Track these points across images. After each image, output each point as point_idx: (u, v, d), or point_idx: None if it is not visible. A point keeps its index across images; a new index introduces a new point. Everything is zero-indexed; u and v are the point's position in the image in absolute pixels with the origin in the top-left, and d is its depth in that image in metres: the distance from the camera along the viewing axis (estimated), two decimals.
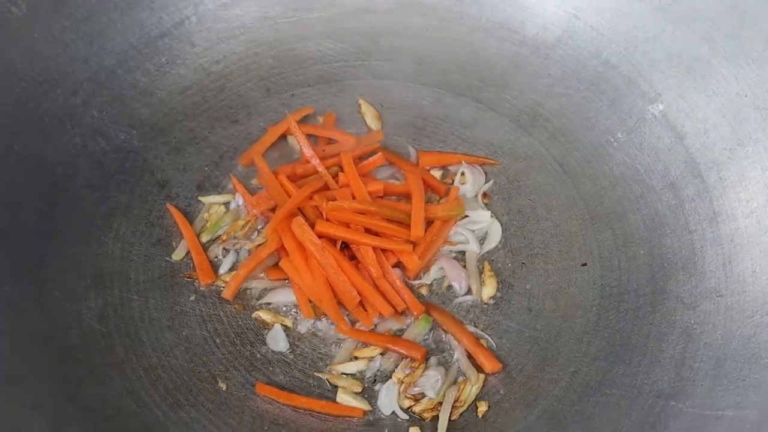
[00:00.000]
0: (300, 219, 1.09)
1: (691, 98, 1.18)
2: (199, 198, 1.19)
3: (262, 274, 1.13)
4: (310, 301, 1.09)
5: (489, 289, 1.13)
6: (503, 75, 1.31)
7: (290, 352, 1.07)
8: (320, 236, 1.09)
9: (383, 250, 1.12)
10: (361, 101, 1.29)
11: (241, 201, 1.19)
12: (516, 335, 1.09)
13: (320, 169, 1.18)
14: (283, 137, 1.26)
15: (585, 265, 1.14)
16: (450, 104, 1.30)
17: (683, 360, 1.02)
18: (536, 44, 1.30)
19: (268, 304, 1.11)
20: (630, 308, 1.09)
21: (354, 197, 1.14)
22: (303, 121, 1.26)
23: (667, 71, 1.21)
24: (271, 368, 1.06)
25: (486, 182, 1.22)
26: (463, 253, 1.17)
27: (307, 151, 1.20)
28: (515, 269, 1.15)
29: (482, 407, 1.03)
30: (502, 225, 1.19)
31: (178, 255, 1.14)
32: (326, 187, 1.17)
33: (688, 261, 1.11)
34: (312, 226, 1.09)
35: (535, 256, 1.16)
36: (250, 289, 1.12)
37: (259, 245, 1.13)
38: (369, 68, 1.33)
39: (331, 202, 1.11)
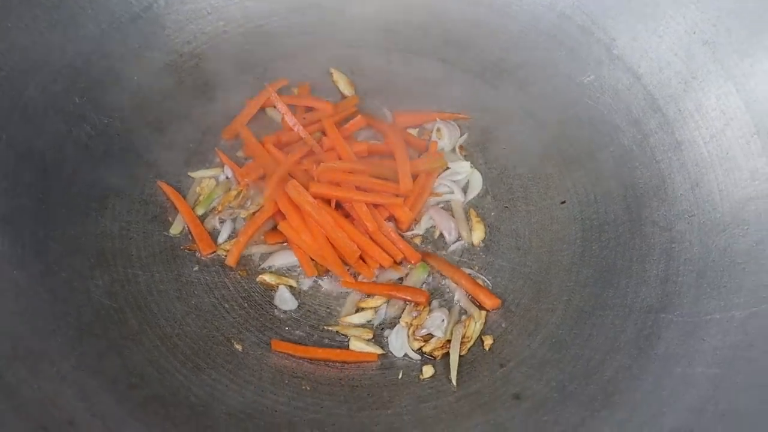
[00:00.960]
0: (295, 182, 1.13)
1: (644, 40, 1.26)
2: (189, 174, 1.22)
3: (261, 239, 1.16)
4: (312, 260, 1.14)
5: (478, 234, 1.19)
6: (465, 35, 1.37)
7: (298, 309, 1.11)
8: (315, 197, 1.13)
9: (375, 206, 1.17)
10: (332, 70, 1.33)
11: (229, 173, 1.22)
12: (509, 273, 1.16)
13: (304, 135, 1.22)
14: (262, 110, 1.29)
15: (564, 202, 1.22)
16: (418, 66, 1.36)
17: (667, 276, 1.11)
18: (491, 2, 1.37)
19: (271, 267, 1.15)
20: (611, 237, 1.17)
21: (340, 158, 1.19)
22: (278, 93, 1.29)
23: (618, 17, 1.28)
24: (282, 327, 1.10)
25: (461, 136, 1.29)
26: (449, 203, 1.22)
27: (290, 119, 1.24)
28: (499, 213, 1.22)
29: (488, 341, 1.09)
30: (482, 174, 1.25)
31: (175, 229, 1.16)
32: (312, 153, 1.21)
33: (658, 188, 1.19)
34: (305, 188, 1.14)
35: (517, 199, 1.23)
36: (252, 255, 1.15)
37: (255, 212, 1.16)
38: (336, 38, 1.37)
39: (322, 163, 1.15)
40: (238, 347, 1.07)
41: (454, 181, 1.23)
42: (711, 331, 1.02)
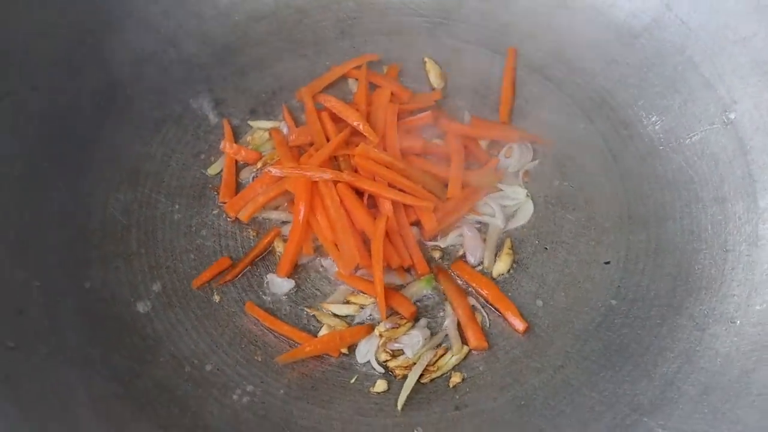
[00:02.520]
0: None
1: (767, 111, 1.08)
2: (249, 122, 1.23)
3: (284, 206, 1.15)
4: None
5: (501, 266, 1.09)
6: (580, 56, 1.25)
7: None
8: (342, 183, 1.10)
9: (405, 207, 1.11)
10: (426, 59, 1.28)
11: (286, 130, 1.21)
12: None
13: (357, 120, 1.17)
14: (346, 79, 1.27)
15: (608, 263, 1.09)
16: (518, 76, 1.26)
17: (673, 380, 0.96)
18: (621, 30, 1.23)
19: (284, 236, 1.13)
20: (639, 316, 1.03)
21: (385, 149, 1.14)
22: (367, 68, 1.26)
23: (748, 79, 1.11)
24: (266, 295, 1.08)
25: (532, 161, 1.18)
26: (487, 225, 1.14)
27: (359, 96, 1.20)
28: (536, 252, 1.11)
29: (455, 378, 1.01)
30: (535, 206, 1.14)
31: (214, 169, 1.19)
32: (363, 138, 1.17)
33: (714, 281, 1.03)
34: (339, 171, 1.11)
35: (560, 243, 1.11)
36: (270, 219, 1.15)
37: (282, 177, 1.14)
38: (447, 27, 1.31)
39: (361, 145, 1.11)
40: (216, 298, 1.07)
41: (501, 205, 1.14)
42: None
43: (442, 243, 1.12)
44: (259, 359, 1.03)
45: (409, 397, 0.99)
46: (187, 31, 1.26)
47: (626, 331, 1.02)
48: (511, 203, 1.15)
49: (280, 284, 1.09)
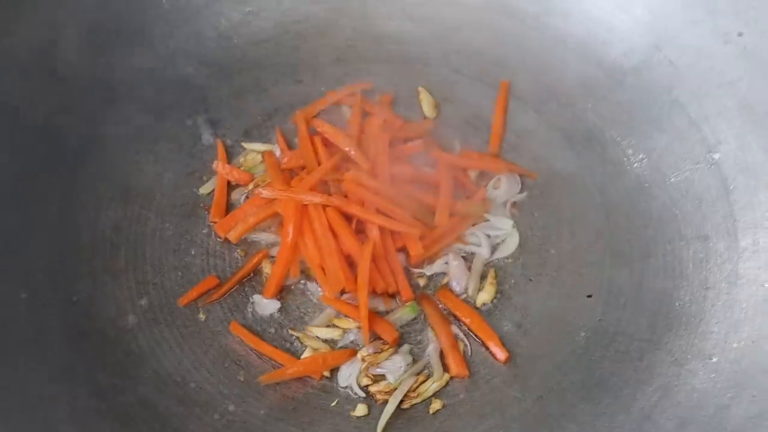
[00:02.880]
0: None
1: (751, 153, 1.10)
2: (242, 143, 1.24)
3: (273, 228, 1.17)
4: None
5: (485, 296, 1.10)
6: (571, 92, 1.27)
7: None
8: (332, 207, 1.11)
9: (391, 233, 1.13)
10: (420, 88, 1.30)
11: (278, 153, 1.23)
12: None
13: (349, 145, 1.18)
14: (339, 105, 1.29)
15: (590, 296, 1.10)
16: (510, 109, 1.28)
17: (650, 414, 0.97)
18: (613, 68, 1.25)
19: (272, 257, 1.14)
20: (619, 350, 1.04)
21: (375, 176, 1.15)
22: (361, 95, 1.28)
23: (733, 120, 1.13)
24: (252, 315, 1.09)
25: (520, 193, 1.20)
26: (473, 254, 1.15)
27: (352, 122, 1.22)
28: (520, 284, 1.12)
29: (435, 405, 1.02)
30: (521, 237, 1.16)
31: (205, 189, 1.20)
32: (353, 163, 1.18)
33: (693, 317, 1.04)
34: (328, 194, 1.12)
35: (544, 275, 1.13)
36: (259, 240, 1.16)
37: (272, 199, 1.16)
38: (441, 58, 1.33)
39: (351, 171, 1.13)
40: (202, 317, 1.08)
41: (488, 236, 1.16)
42: None
43: (427, 270, 1.13)
44: (242, 379, 1.03)
45: (389, 423, 1.00)
46: (186, 51, 1.28)
47: (606, 364, 1.03)
48: (498, 233, 1.16)
49: (265, 305, 1.10)
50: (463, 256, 1.14)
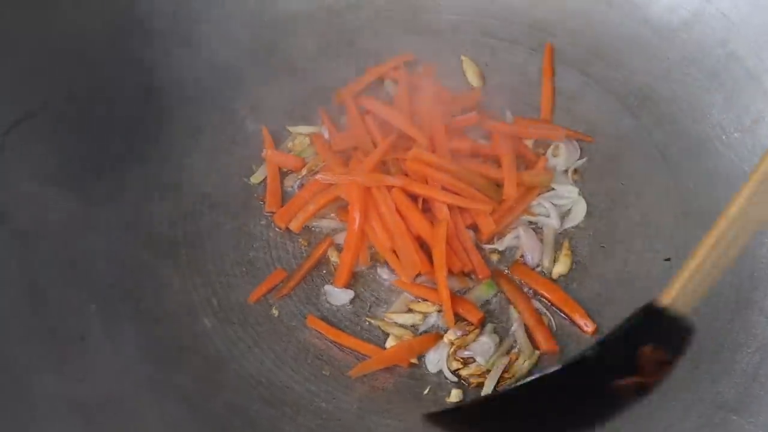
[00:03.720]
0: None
1: None
2: (288, 127, 1.19)
3: (332, 215, 1.12)
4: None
5: (561, 267, 1.08)
6: (618, 51, 1.24)
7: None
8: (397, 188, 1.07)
9: (459, 210, 1.09)
10: (463, 58, 1.25)
11: (327, 134, 1.18)
12: None
13: (403, 122, 1.14)
14: (381, 81, 1.24)
15: (668, 260, 1.08)
16: (557, 73, 1.24)
17: (756, 375, 0.95)
18: (660, 25, 1.23)
19: (338, 244, 1.10)
20: (707, 313, 1.02)
21: (434, 152, 1.11)
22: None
23: None
24: (326, 306, 1.05)
25: (580, 159, 1.17)
26: (542, 227, 1.12)
27: (401, 97, 1.17)
28: (593, 252, 1.10)
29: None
30: (588, 205, 1.13)
31: (256, 178, 1.14)
32: (411, 139, 1.14)
33: None
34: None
35: (617, 242, 1.10)
36: (320, 228, 1.11)
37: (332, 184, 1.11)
38: (481, 25, 1.29)
39: (413, 149, 1.09)
40: (275, 312, 1.04)
41: (555, 205, 1.13)
42: None
43: (499, 246, 1.10)
44: (327, 374, 0.99)
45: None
46: (217, 34, 1.21)
47: (698, 328, 1.01)
48: (564, 202, 1.13)
49: (338, 295, 1.06)
50: (532, 228, 1.12)
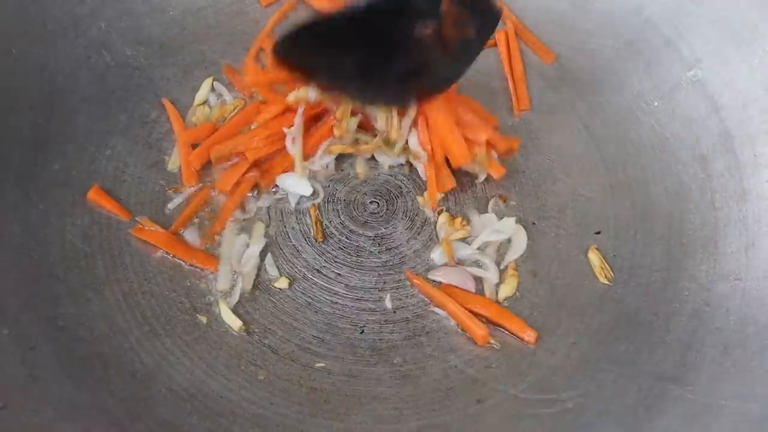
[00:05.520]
0: None
1: (734, 68, 1.10)
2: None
3: None
4: None
5: (507, 290, 1.04)
6: (536, 26, 1.23)
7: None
8: None
9: None
10: None
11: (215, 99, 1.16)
12: (515, 299, 1.03)
13: None
14: None
15: (599, 233, 1.08)
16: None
17: (690, 343, 0.96)
18: None
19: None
20: (641, 283, 1.03)
21: None
22: None
23: (710, 36, 1.12)
24: (255, 306, 1.01)
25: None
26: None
27: None
28: (524, 229, 1.08)
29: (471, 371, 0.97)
30: (516, 183, 1.11)
31: (173, 164, 1.10)
32: None
33: (708, 240, 1.04)
34: None
35: (547, 218, 1.09)
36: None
37: None
38: None
39: None
40: (203, 319, 0.99)
41: (492, 244, 1.07)
42: (721, 419, 0.87)
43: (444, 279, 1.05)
44: (263, 378, 0.95)
45: (428, 397, 0.95)
46: (119, 30, 1.15)
47: (630, 300, 1.02)
48: (502, 237, 1.07)
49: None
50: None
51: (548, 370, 0.97)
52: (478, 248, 1.06)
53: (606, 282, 1.03)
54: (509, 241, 1.07)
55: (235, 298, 1.00)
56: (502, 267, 1.05)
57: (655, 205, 1.08)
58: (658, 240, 1.06)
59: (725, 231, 1.03)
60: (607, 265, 1.04)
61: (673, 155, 1.11)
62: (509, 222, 1.08)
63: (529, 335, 0.99)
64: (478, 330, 0.99)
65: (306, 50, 0.89)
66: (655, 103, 1.14)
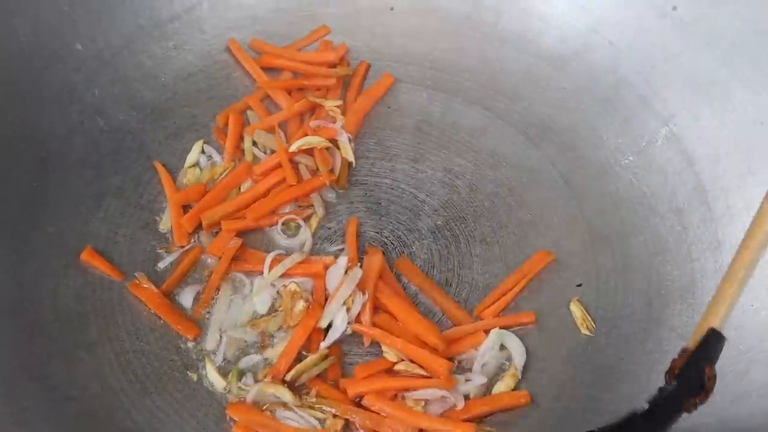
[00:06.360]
0: None
1: (706, 122, 1.14)
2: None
3: None
4: None
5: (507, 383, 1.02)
6: (516, 85, 1.27)
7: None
8: None
9: None
10: None
11: (205, 161, 1.19)
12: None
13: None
14: None
15: (580, 285, 1.10)
16: (458, 111, 1.26)
17: None
18: (552, 57, 1.27)
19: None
20: (622, 334, 1.05)
21: None
22: None
23: (683, 92, 1.16)
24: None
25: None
26: None
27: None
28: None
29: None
30: (499, 239, 1.14)
31: (165, 224, 1.12)
32: None
33: (686, 290, 1.06)
34: None
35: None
36: None
37: None
38: (380, 69, 1.30)
39: None
40: (193, 376, 1.01)
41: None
42: None
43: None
44: None
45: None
46: (112, 96, 1.19)
47: (612, 351, 1.04)
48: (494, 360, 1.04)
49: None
50: None
51: (534, 424, 0.98)
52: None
53: (588, 333, 1.05)
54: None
55: (220, 357, 1.02)
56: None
57: (634, 257, 1.11)
58: (637, 292, 1.08)
59: (702, 282, 1.06)
60: (589, 316, 1.06)
61: (650, 208, 1.14)
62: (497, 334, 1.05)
63: (524, 397, 1.00)
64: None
65: None
66: (632, 158, 1.18)
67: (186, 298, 1.07)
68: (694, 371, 0.81)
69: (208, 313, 1.06)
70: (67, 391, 0.96)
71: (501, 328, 1.04)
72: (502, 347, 1.04)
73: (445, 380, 0.98)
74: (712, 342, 0.82)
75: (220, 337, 1.04)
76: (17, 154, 1.09)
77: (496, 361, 1.03)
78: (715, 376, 0.83)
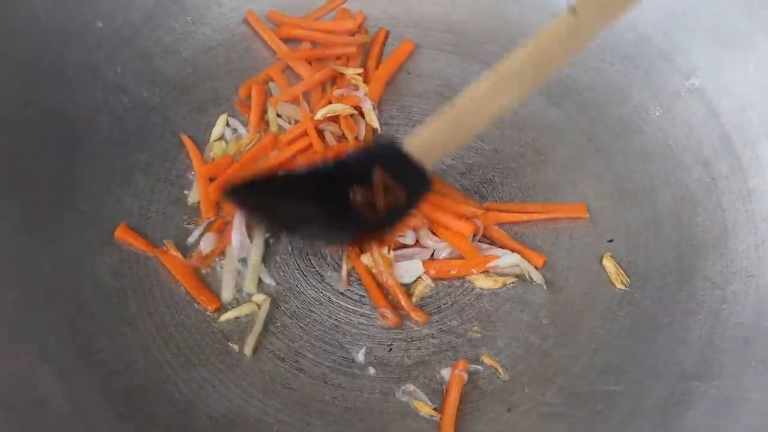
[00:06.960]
0: None
1: (729, 74, 1.14)
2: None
3: None
4: None
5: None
6: None
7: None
8: None
9: None
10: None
11: (230, 134, 1.20)
12: (536, 309, 1.06)
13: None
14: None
15: (611, 241, 1.11)
16: (479, 74, 1.25)
17: (710, 340, 0.99)
18: None
19: None
20: (656, 286, 1.06)
21: None
22: None
23: (704, 45, 1.17)
24: (285, 332, 1.04)
25: None
26: None
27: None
28: (541, 242, 1.12)
29: (503, 376, 1.00)
30: (527, 197, 1.15)
31: (193, 197, 1.13)
32: None
33: (718, 240, 1.07)
34: None
35: (561, 230, 1.13)
36: None
37: None
38: (398, 35, 1.30)
39: None
40: (234, 347, 1.02)
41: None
42: (748, 412, 0.90)
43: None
44: (299, 402, 0.98)
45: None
46: (134, 73, 1.19)
47: (648, 304, 1.05)
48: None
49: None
50: None
51: (573, 376, 1.00)
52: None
53: (623, 287, 1.06)
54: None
55: (258, 327, 1.03)
56: None
57: (663, 210, 1.12)
58: (669, 244, 1.09)
59: (734, 231, 1.07)
60: (622, 271, 1.07)
61: (676, 161, 1.15)
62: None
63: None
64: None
65: (255, 198, 0.95)
66: (657, 113, 1.19)
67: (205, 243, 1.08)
68: (363, 163, 0.92)
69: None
70: (113, 365, 0.97)
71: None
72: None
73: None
74: (396, 157, 0.92)
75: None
76: (45, 136, 1.09)
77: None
78: (399, 199, 0.93)
